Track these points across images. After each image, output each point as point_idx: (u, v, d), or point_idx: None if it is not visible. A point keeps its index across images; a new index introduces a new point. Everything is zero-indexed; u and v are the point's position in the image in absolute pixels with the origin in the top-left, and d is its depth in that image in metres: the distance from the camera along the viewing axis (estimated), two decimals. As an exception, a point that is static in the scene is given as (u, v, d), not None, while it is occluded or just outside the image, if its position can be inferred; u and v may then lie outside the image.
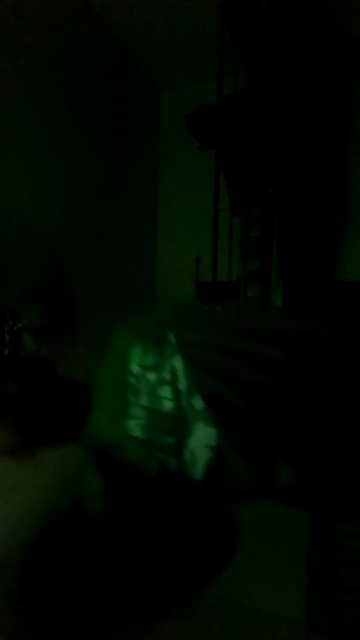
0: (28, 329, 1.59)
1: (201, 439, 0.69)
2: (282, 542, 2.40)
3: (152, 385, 0.75)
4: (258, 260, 1.83)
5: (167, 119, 2.71)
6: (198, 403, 0.71)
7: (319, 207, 2.40)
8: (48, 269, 1.87)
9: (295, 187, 2.18)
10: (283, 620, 2.34)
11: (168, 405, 0.73)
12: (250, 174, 1.83)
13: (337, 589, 2.24)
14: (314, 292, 2.35)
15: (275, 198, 1.81)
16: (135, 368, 0.77)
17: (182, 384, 0.73)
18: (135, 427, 0.73)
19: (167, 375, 0.75)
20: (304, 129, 2.37)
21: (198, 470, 0.68)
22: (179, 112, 2.26)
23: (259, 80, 1.83)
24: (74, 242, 2.01)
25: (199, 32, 2.17)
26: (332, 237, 2.40)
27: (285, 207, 1.84)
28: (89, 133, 2.09)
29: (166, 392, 0.74)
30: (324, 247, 2.40)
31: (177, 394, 0.73)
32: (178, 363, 0.75)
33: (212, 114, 2.08)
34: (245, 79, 1.89)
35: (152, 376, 0.76)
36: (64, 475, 1.95)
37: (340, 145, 2.40)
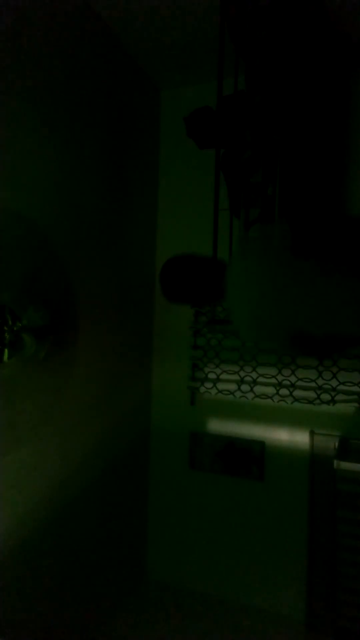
0: (28, 329, 1.59)
1: None
2: (282, 541, 2.40)
3: None
4: (258, 260, 1.82)
5: (167, 119, 2.72)
6: None
7: (319, 208, 2.40)
8: (48, 269, 1.87)
9: (295, 187, 2.18)
10: (283, 620, 2.34)
11: None
12: (250, 174, 1.83)
13: (337, 589, 2.24)
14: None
15: (275, 198, 1.81)
16: None
17: None
18: None
19: None
20: (304, 129, 2.37)
21: None
22: (179, 112, 2.26)
23: (259, 80, 1.83)
24: (74, 242, 2.01)
25: (199, 32, 2.17)
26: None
27: (285, 207, 1.84)
28: (89, 133, 2.09)
29: None
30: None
31: None
32: None
33: (211, 116, 2.08)
34: (245, 79, 1.90)
35: None
36: (64, 476, 1.96)
37: (341, 146, 2.40)
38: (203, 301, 1.68)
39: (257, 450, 2.44)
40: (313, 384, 2.32)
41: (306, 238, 1.32)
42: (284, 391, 2.37)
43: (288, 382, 2.36)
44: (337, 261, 1.23)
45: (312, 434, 2.33)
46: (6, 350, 1.52)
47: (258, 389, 2.43)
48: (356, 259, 1.22)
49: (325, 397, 2.29)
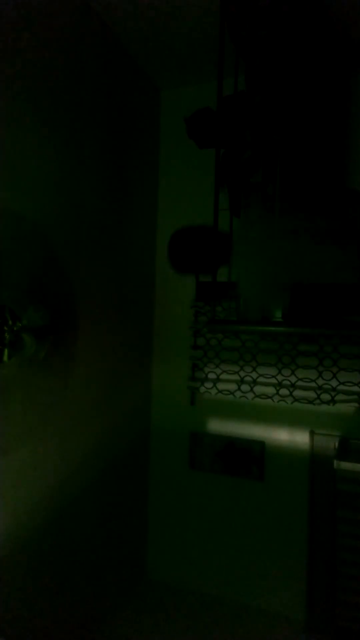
0: (28, 329, 1.59)
1: None
2: (282, 541, 2.40)
3: None
4: (258, 260, 1.83)
5: (167, 119, 2.72)
6: None
7: (319, 208, 2.40)
8: (48, 269, 1.87)
9: (296, 187, 2.18)
10: (283, 620, 2.34)
11: None
12: (250, 174, 1.83)
13: (337, 589, 2.24)
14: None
15: (275, 198, 1.81)
16: None
17: None
18: None
19: None
20: (305, 128, 2.37)
21: None
22: (179, 112, 2.27)
23: (259, 80, 1.83)
24: (74, 242, 2.01)
25: (199, 32, 2.17)
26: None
27: (285, 207, 1.84)
28: (89, 133, 2.09)
29: None
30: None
31: None
32: None
33: (212, 118, 2.09)
34: (245, 79, 1.90)
35: None
36: (64, 476, 1.96)
37: (341, 146, 2.40)
38: (208, 268, 1.78)
39: (257, 450, 2.44)
40: (313, 384, 2.32)
41: (300, 196, 1.44)
42: (284, 391, 2.37)
43: (288, 382, 2.36)
44: (327, 219, 1.33)
45: (312, 434, 2.33)
46: (6, 350, 1.52)
47: (258, 389, 2.43)
48: (346, 220, 1.30)
49: (325, 397, 2.29)
